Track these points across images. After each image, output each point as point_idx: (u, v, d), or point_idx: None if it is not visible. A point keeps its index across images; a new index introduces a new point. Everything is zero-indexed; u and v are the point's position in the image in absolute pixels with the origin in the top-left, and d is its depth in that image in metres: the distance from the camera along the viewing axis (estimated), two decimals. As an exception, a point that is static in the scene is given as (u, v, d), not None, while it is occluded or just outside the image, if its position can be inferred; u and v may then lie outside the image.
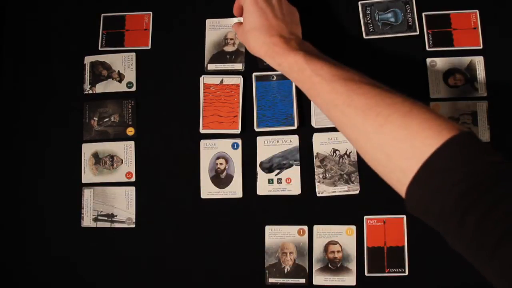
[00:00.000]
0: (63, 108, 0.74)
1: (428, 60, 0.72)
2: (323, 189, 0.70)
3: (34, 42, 0.77)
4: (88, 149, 0.73)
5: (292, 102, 0.71)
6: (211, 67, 0.74)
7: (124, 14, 0.76)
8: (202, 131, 0.72)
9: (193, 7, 0.76)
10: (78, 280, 0.71)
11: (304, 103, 0.72)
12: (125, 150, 0.73)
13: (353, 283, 0.68)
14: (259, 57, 0.64)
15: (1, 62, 0.77)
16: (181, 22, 0.76)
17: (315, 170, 0.70)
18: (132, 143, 0.73)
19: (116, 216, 0.71)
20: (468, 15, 0.73)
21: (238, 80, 0.73)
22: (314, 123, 0.71)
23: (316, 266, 0.68)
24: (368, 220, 0.69)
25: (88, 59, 0.75)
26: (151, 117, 0.73)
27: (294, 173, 0.70)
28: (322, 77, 0.56)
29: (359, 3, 0.74)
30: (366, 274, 0.68)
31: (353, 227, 0.69)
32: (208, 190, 0.71)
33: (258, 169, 0.71)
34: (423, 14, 0.74)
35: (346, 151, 0.70)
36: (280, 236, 0.69)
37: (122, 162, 0.72)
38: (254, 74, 0.73)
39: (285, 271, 0.68)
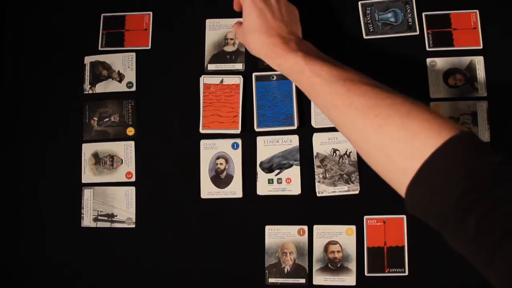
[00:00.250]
0: (63, 108, 0.74)
1: (428, 60, 0.72)
2: (323, 189, 0.70)
3: (34, 42, 0.77)
4: (88, 149, 0.73)
5: (292, 102, 0.71)
6: (211, 67, 0.74)
7: (124, 14, 0.76)
8: (202, 131, 0.72)
9: (193, 7, 0.76)
10: (78, 280, 0.71)
11: (304, 103, 0.72)
12: (125, 150, 0.73)
13: (353, 283, 0.68)
14: (262, 59, 0.64)
15: (1, 62, 0.77)
16: (181, 22, 0.76)
17: (315, 170, 0.70)
18: (132, 143, 0.73)
19: (116, 216, 0.71)
20: (468, 15, 0.73)
21: (238, 80, 0.73)
22: (314, 123, 0.71)
23: (316, 266, 0.68)
24: (368, 220, 0.69)
25: (88, 59, 0.75)
26: (151, 117, 0.73)
27: (294, 173, 0.70)
28: (322, 78, 0.56)
29: (359, 3, 0.74)
30: (366, 274, 0.68)
31: (353, 227, 0.69)
32: (208, 190, 0.71)
33: (258, 169, 0.71)
34: (423, 14, 0.74)
35: (346, 151, 0.70)
36: (280, 236, 0.69)
37: (122, 162, 0.72)
38: (254, 74, 0.73)
39: (285, 271, 0.68)
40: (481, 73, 0.71)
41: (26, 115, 0.75)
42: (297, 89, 0.72)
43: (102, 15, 0.76)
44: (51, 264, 0.71)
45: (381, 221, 0.69)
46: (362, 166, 0.70)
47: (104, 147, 0.73)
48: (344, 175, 0.70)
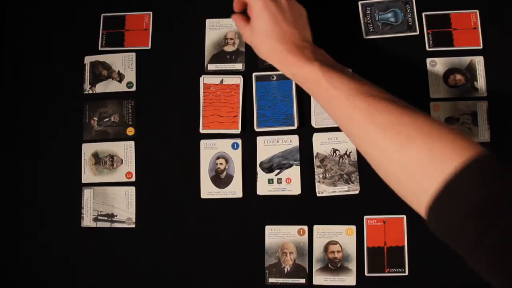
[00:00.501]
0: (63, 108, 0.74)
1: (428, 60, 0.72)
2: (323, 189, 0.70)
3: (34, 42, 0.77)
4: (88, 149, 0.73)
5: (292, 102, 0.71)
6: (211, 67, 0.74)
7: (124, 14, 0.76)
8: (202, 131, 0.72)
9: (193, 7, 0.76)
10: (78, 280, 0.71)
11: (304, 103, 0.72)
12: (125, 150, 0.73)
13: (353, 283, 0.68)
14: (262, 59, 0.63)
15: (1, 62, 0.77)
16: (181, 22, 0.76)
17: (315, 170, 0.70)
18: (132, 143, 0.73)
19: (116, 216, 0.71)
20: (468, 15, 0.73)
21: (238, 80, 0.73)
22: (314, 123, 0.71)
23: (316, 266, 0.68)
24: (368, 220, 0.69)
25: (88, 59, 0.75)
26: (151, 117, 0.73)
27: (294, 173, 0.70)
28: (340, 91, 0.55)
29: (359, 3, 0.74)
30: (366, 274, 0.68)
31: (353, 227, 0.69)
32: (208, 190, 0.71)
33: (258, 169, 0.71)
34: (423, 14, 0.74)
35: (346, 151, 0.70)
36: (280, 236, 0.69)
37: (122, 162, 0.72)
38: (254, 74, 0.73)
39: (285, 271, 0.68)
40: (481, 73, 0.71)
41: (26, 115, 0.75)
42: (297, 89, 0.72)
43: (102, 15, 0.76)
44: (51, 264, 0.71)
45: (381, 221, 0.69)
46: (362, 166, 0.70)
47: (104, 147, 0.73)
48: (344, 175, 0.70)
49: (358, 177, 0.70)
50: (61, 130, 0.74)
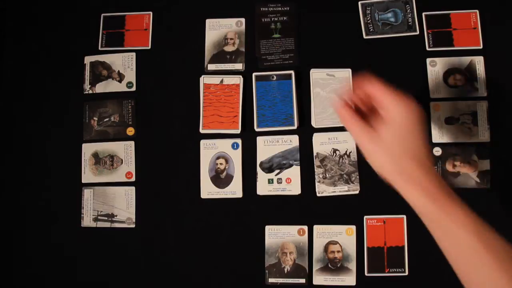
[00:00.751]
0: (63, 108, 0.74)
1: (428, 60, 0.72)
2: (323, 189, 0.70)
3: (34, 42, 0.77)
4: (88, 149, 0.73)
5: (292, 102, 0.71)
6: (211, 67, 0.74)
7: (124, 14, 0.76)
8: (202, 131, 0.72)
9: (193, 7, 0.76)
10: (78, 279, 0.71)
11: (304, 103, 0.72)
12: (125, 150, 0.73)
13: (353, 283, 0.68)
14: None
15: (1, 62, 0.77)
16: (181, 22, 0.76)
17: (315, 170, 0.70)
18: (132, 143, 0.73)
19: (116, 216, 0.71)
20: (468, 15, 0.73)
21: (238, 80, 0.73)
22: (314, 123, 0.71)
23: (316, 266, 0.68)
24: (368, 220, 0.69)
25: (88, 59, 0.75)
26: (151, 117, 0.73)
27: (294, 173, 0.70)
28: (494, 253, 0.48)
29: (359, 3, 0.74)
30: (366, 274, 0.68)
31: (353, 227, 0.69)
32: (208, 190, 0.71)
33: (258, 169, 0.71)
34: (423, 14, 0.74)
35: (346, 151, 0.70)
36: (280, 236, 0.69)
37: (122, 162, 0.72)
38: (254, 74, 0.73)
39: (285, 271, 0.68)
40: (481, 73, 0.71)
41: (26, 115, 0.75)
42: (297, 89, 0.72)
43: (102, 15, 0.76)
44: (51, 264, 0.71)
45: (381, 221, 0.69)
46: (362, 166, 0.70)
47: (104, 147, 0.73)
48: (344, 175, 0.70)
49: (358, 177, 0.70)
50: (61, 130, 0.74)
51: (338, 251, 0.68)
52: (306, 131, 0.71)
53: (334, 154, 0.70)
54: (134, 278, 0.70)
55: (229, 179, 0.71)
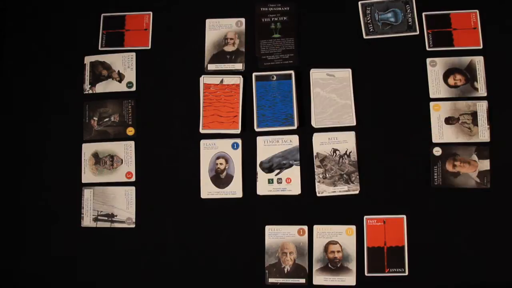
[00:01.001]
0: (63, 108, 0.74)
1: (428, 60, 0.72)
2: (323, 189, 0.70)
3: (34, 42, 0.77)
4: (88, 149, 0.73)
5: (292, 102, 0.71)
6: (211, 67, 0.74)
7: (124, 14, 0.76)
8: (202, 131, 0.72)
9: (193, 7, 0.76)
10: (78, 279, 0.71)
11: (304, 103, 0.72)
12: (125, 150, 0.73)
13: (353, 283, 0.68)
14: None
15: (1, 62, 0.77)
16: (181, 22, 0.76)
17: (315, 170, 0.70)
18: (132, 143, 0.73)
19: (116, 216, 0.71)
20: (468, 15, 0.73)
21: (238, 80, 0.73)
22: (314, 123, 0.71)
23: (316, 266, 0.68)
24: (368, 220, 0.69)
25: (88, 59, 0.75)
26: (151, 117, 0.73)
27: (294, 173, 0.70)
28: None
29: (359, 3, 0.74)
30: (366, 274, 0.68)
31: (353, 227, 0.69)
32: (208, 190, 0.71)
33: (258, 169, 0.71)
34: (423, 14, 0.74)
35: (346, 151, 0.70)
36: (280, 236, 0.69)
37: (122, 162, 0.72)
38: (254, 74, 0.73)
39: (285, 271, 0.68)
40: (481, 73, 0.71)
41: (26, 115, 0.75)
42: (297, 89, 0.72)
43: (102, 15, 0.76)
44: (51, 264, 0.71)
45: (381, 221, 0.69)
46: (362, 166, 0.70)
47: (104, 147, 0.73)
48: (344, 175, 0.70)
49: (358, 177, 0.69)
50: (61, 130, 0.74)
51: (338, 251, 0.68)
52: (306, 131, 0.71)
53: (334, 154, 0.70)
54: (134, 278, 0.70)
55: (229, 179, 0.71)
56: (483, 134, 0.70)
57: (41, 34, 0.77)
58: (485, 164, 0.69)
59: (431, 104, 0.71)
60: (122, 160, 0.72)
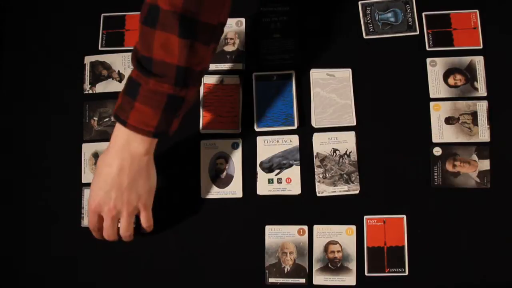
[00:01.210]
0: (63, 108, 0.74)
1: (428, 60, 0.72)
2: (323, 189, 0.70)
3: (34, 42, 0.77)
4: (88, 149, 0.73)
5: (292, 102, 0.71)
6: (211, 67, 0.74)
7: (124, 14, 0.76)
8: (202, 131, 0.72)
9: (193, 7, 0.76)
10: (78, 280, 0.71)
11: (304, 103, 0.72)
12: (125, 150, 0.72)
13: (353, 283, 0.68)
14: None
15: (1, 62, 0.77)
16: (181, 22, 0.75)
17: (315, 170, 0.70)
18: (132, 143, 0.73)
19: (116, 216, 0.71)
20: (468, 15, 0.73)
21: (238, 80, 0.73)
22: (314, 123, 0.71)
23: (316, 266, 0.68)
24: (368, 220, 0.69)
25: (88, 59, 0.75)
26: (151, 117, 0.73)
27: (294, 173, 0.70)
28: None
29: (359, 3, 0.74)
30: (366, 274, 0.68)
31: (353, 227, 0.69)
32: (208, 190, 0.71)
33: (258, 169, 0.71)
34: (423, 14, 0.74)
35: (346, 151, 0.70)
36: (280, 236, 0.69)
37: (122, 162, 0.72)
38: (254, 74, 0.73)
39: (285, 271, 0.68)
40: (481, 73, 0.71)
41: (26, 115, 0.75)
42: (297, 89, 0.72)
43: (102, 15, 0.76)
44: (51, 264, 0.71)
45: (381, 221, 0.69)
46: (362, 166, 0.70)
47: (104, 147, 0.73)
48: (344, 175, 0.70)
49: (358, 177, 0.69)
50: (61, 130, 0.74)
51: (338, 251, 0.68)
52: (306, 131, 0.71)
53: (334, 154, 0.70)
54: (134, 278, 0.70)
55: (229, 179, 0.71)
56: (483, 134, 0.70)
57: (41, 34, 0.77)
58: (485, 164, 0.69)
59: (431, 104, 0.71)
60: (122, 160, 0.72)
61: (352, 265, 0.68)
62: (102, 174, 0.60)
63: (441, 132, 0.70)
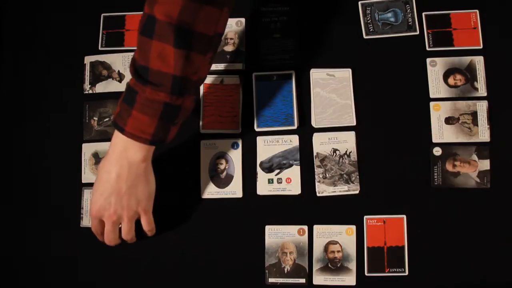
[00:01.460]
0: (63, 108, 0.74)
1: (428, 60, 0.72)
2: (323, 189, 0.70)
3: (34, 42, 0.77)
4: (88, 149, 0.73)
5: (292, 102, 0.71)
6: (211, 67, 0.74)
7: (124, 14, 0.76)
8: (202, 131, 0.72)
9: (193, 7, 0.76)
10: (78, 280, 0.71)
11: (304, 103, 0.72)
12: (125, 150, 0.72)
13: (353, 283, 0.68)
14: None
15: (1, 62, 0.77)
16: (181, 22, 0.75)
17: (315, 170, 0.70)
18: (132, 143, 0.73)
19: (116, 216, 0.71)
20: (468, 15, 0.73)
21: (238, 80, 0.73)
22: (314, 123, 0.71)
23: (316, 266, 0.68)
24: (368, 220, 0.69)
25: (88, 59, 0.75)
26: (151, 117, 0.73)
27: (294, 173, 0.70)
28: None
29: (359, 3, 0.74)
30: (366, 274, 0.68)
31: (353, 227, 0.69)
32: (208, 190, 0.71)
33: (258, 169, 0.71)
34: (423, 14, 0.74)
35: (346, 151, 0.70)
36: (280, 236, 0.69)
37: (122, 162, 0.72)
38: (254, 74, 0.73)
39: (285, 271, 0.68)
40: (481, 73, 0.71)
41: (26, 115, 0.75)
42: (297, 89, 0.72)
43: (102, 15, 0.76)
44: (51, 264, 0.71)
45: (381, 221, 0.69)
46: (362, 166, 0.70)
47: (104, 147, 0.73)
48: (344, 175, 0.70)
49: (358, 177, 0.70)
50: (61, 130, 0.74)
51: (338, 251, 0.68)
52: (306, 131, 0.71)
53: (334, 154, 0.70)
54: (134, 278, 0.70)
55: (229, 179, 0.71)
56: (483, 134, 0.70)
57: (41, 34, 0.77)
58: (485, 164, 0.69)
59: (431, 104, 0.71)
60: (122, 160, 0.72)
61: (352, 265, 0.68)
62: (102, 180, 0.61)
63: (441, 132, 0.70)
